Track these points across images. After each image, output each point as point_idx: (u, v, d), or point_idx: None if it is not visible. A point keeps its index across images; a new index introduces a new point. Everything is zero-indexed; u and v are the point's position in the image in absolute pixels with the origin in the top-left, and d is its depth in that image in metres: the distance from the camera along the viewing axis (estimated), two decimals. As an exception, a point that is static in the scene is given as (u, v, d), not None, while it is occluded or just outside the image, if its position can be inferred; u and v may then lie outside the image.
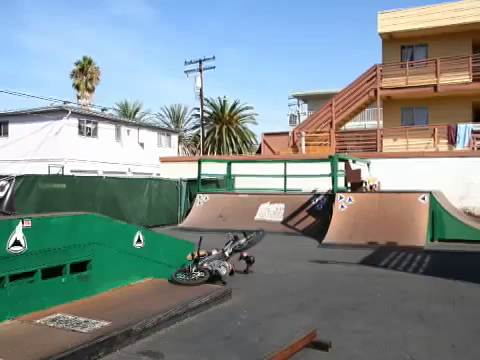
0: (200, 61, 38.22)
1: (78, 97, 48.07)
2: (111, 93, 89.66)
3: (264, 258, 9.85)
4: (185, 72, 39.18)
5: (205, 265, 7.63)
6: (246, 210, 16.16)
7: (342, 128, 29.09)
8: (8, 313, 5.37)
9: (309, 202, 15.83)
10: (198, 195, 17.65)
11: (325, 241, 12.67)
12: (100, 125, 35.34)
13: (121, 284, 6.73)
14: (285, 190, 18.26)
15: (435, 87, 23.66)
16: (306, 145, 25.46)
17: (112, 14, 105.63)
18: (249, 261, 8.70)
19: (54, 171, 29.73)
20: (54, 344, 4.54)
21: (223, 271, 7.61)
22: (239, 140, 51.78)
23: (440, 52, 24.44)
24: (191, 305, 6.00)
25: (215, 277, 7.58)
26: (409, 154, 21.02)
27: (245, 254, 8.68)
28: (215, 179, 20.45)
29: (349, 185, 16.97)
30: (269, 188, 17.95)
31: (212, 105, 52.73)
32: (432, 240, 12.90)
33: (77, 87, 47.96)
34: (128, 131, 38.78)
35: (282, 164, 18.64)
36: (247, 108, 53.62)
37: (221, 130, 50.72)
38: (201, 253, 7.86)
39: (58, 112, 32.42)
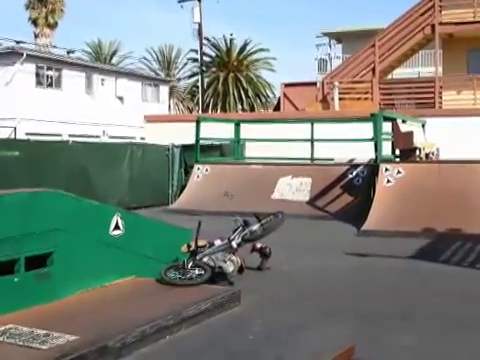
0: (198, -14, 39.40)
1: (36, 35, 47.89)
2: (80, 30, 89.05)
3: (284, 250, 9.78)
4: (179, 2, 38.76)
5: (205, 259, 7.61)
6: (260, 186, 16.18)
7: (388, 77, 28.72)
8: None
9: (344, 175, 15.83)
10: (196, 166, 17.63)
11: (365, 227, 12.70)
12: (65, 72, 35.13)
13: (93, 285, 6.69)
14: (312, 159, 18.21)
15: (514, 21, 24.92)
16: (340, 99, 25.21)
17: None
18: (264, 254, 8.69)
19: (4, 134, 29.57)
20: (4, 365, 4.81)
21: (229, 267, 7.61)
22: (251, 93, 51.30)
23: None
24: (186, 313, 5.95)
25: (219, 275, 7.57)
26: (478, 111, 20.79)
27: (259, 245, 8.67)
28: (219, 145, 20.35)
29: (398, 153, 16.88)
30: (291, 157, 17.83)
31: (215, 47, 52.38)
32: (508, 226, 13.94)
33: (34, 22, 47.73)
34: (102, 81, 38.46)
35: (308, 125, 18.50)
36: (261, 50, 53.27)
37: (227, 79, 50.38)
38: (200, 244, 7.80)
39: (9, 55, 32.11)
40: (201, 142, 18.30)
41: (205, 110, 42.05)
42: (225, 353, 5.34)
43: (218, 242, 8.12)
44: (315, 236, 12.26)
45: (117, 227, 7.04)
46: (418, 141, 17.08)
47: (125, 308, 6.12)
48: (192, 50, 50.98)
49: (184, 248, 7.78)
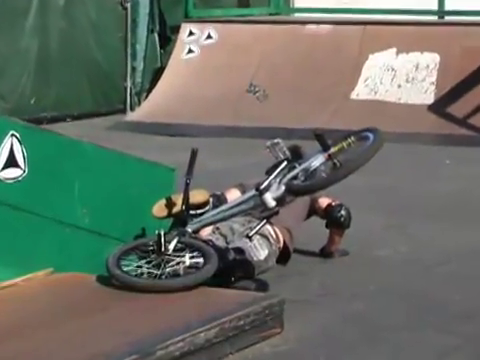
0: None
1: None
2: None
3: (380, 213, 9.08)
4: None
5: (207, 234, 6.75)
6: (326, 71, 15.64)
7: None
8: None
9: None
10: (185, 28, 16.74)
11: None
12: None
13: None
14: (442, 14, 17.35)
15: None
16: None
17: None
18: (336, 221, 7.43)
19: None
20: None
21: (260, 251, 6.71)
22: None
23: None
24: (165, 351, 4.83)
25: (236, 267, 6.60)
26: None
27: (324, 201, 7.53)
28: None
29: None
30: (393, 9, 17.31)
31: None
32: None
33: None
34: None
35: None
36: None
37: None
38: (195, 199, 6.81)
39: None
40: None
41: None
42: None
43: (234, 195, 7.31)
44: (449, 181, 11.61)
45: (12, 162, 6.20)
46: None
47: (30, 340, 4.99)
48: None
49: (159, 209, 6.83)
